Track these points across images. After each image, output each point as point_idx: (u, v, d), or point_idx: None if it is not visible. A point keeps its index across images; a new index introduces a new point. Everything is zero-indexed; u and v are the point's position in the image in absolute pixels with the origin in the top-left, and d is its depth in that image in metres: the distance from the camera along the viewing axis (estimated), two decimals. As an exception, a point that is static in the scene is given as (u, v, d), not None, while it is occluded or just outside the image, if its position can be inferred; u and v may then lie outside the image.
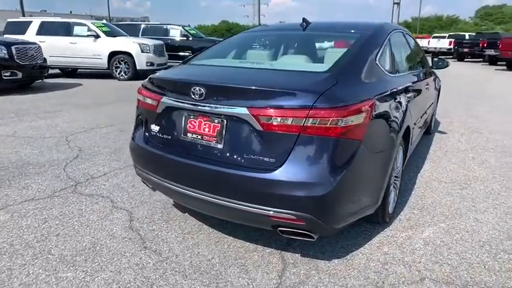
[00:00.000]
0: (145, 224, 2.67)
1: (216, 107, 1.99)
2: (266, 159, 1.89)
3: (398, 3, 41.24)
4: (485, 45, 19.06)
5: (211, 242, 2.44)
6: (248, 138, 1.94)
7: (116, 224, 2.65)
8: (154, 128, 2.34)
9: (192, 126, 2.13)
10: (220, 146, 2.02)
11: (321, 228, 1.93)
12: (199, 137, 2.10)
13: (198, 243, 2.43)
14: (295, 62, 2.60)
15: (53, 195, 3.11)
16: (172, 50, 12.57)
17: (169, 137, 2.24)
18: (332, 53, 2.48)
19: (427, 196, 3.20)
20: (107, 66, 10.69)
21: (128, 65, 10.58)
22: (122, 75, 10.73)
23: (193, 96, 2.04)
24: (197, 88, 2.01)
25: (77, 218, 2.74)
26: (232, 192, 1.98)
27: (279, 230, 1.98)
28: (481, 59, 20.80)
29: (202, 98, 2.00)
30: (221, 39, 4.04)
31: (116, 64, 10.68)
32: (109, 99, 7.85)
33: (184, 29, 13.77)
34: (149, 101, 2.33)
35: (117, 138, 4.81)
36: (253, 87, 1.93)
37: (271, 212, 1.90)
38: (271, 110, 1.84)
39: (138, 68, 10.56)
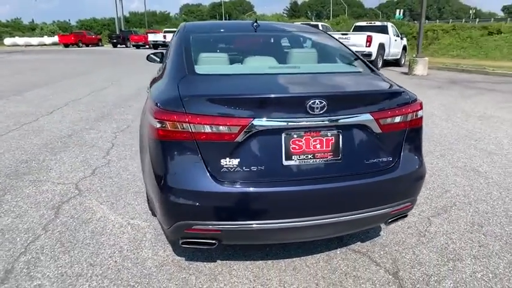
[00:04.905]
0: None
1: (336, 119, 1.79)
2: (385, 159, 1.95)
3: (120, -2, 41.21)
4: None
5: (301, 271, 2.17)
6: (367, 144, 1.90)
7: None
8: (229, 162, 1.75)
9: (297, 147, 1.79)
10: (338, 160, 1.85)
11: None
12: (309, 156, 1.81)
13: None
14: (325, 63, 2.58)
15: None
16: None
17: (261, 168, 1.77)
18: (333, 51, 2.64)
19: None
20: None
21: None
22: None
23: (310, 111, 1.73)
24: (317, 101, 1.72)
25: None
26: (359, 203, 1.90)
27: (389, 221, 2.10)
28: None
29: (323, 111, 1.74)
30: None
31: None
32: None
33: None
34: (221, 128, 1.70)
35: None
36: (375, 92, 1.89)
37: (392, 208, 1.99)
38: (389, 112, 1.90)
39: None
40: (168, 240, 2.46)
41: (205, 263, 2.25)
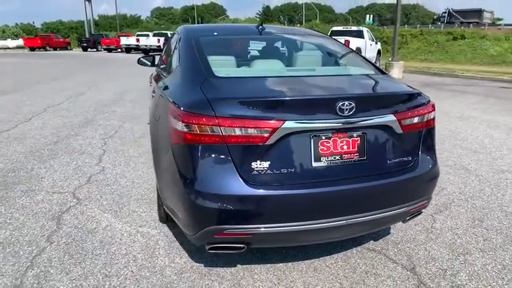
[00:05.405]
0: None
1: (362, 120, 1.83)
2: (405, 158, 2.00)
3: (89, 0, 39.89)
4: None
5: (323, 271, 2.19)
6: (389, 144, 1.95)
7: None
8: (260, 164, 1.74)
9: (325, 149, 1.81)
10: (364, 160, 1.89)
11: None
12: (336, 157, 1.84)
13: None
14: (337, 66, 2.64)
15: None
16: None
17: (291, 170, 1.78)
18: (341, 54, 2.69)
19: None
20: None
21: None
22: None
23: (339, 113, 1.75)
24: (347, 102, 1.75)
25: None
26: (385, 202, 1.94)
27: (407, 219, 2.16)
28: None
29: (351, 112, 1.77)
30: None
31: None
32: None
33: None
34: (252, 131, 1.69)
35: None
36: (397, 94, 1.94)
37: (412, 206, 2.05)
38: (409, 113, 1.96)
39: None
40: (183, 246, 2.41)
41: (225, 268, 2.21)
